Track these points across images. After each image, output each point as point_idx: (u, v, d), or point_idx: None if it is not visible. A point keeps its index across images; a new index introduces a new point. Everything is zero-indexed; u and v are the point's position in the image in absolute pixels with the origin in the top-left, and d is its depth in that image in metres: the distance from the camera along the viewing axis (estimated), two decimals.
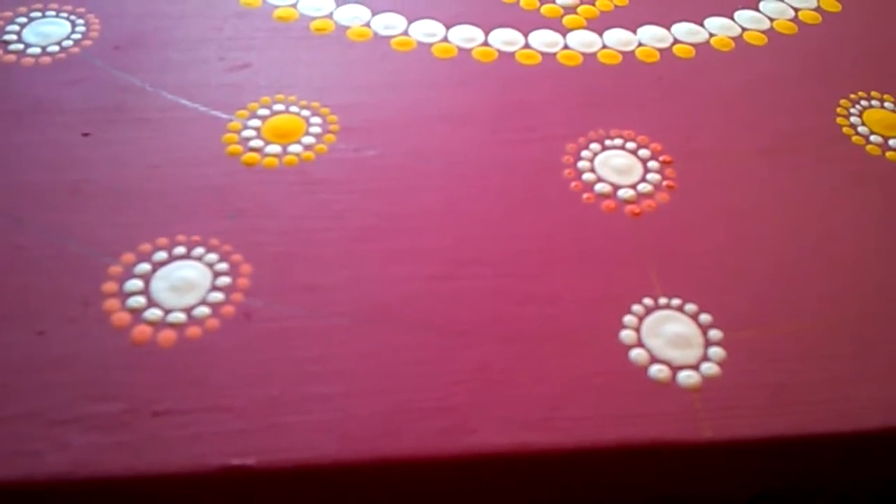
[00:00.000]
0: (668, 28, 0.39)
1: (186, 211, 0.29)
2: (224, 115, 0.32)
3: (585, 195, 0.31)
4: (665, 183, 0.31)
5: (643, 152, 0.33)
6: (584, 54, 0.37)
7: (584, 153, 0.32)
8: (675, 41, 0.38)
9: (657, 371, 0.25)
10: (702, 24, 0.39)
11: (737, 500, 0.30)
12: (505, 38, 0.38)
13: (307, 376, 0.24)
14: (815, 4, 0.41)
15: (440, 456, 0.23)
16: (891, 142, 0.34)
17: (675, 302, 0.27)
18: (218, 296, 0.26)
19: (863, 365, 0.26)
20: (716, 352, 0.26)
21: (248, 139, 0.31)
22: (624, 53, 0.37)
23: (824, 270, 0.28)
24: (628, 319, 0.27)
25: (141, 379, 0.24)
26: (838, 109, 0.35)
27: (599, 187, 0.31)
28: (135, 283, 0.26)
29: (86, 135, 0.31)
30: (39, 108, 0.32)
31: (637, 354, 0.26)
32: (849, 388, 0.25)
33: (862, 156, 0.33)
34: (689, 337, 0.26)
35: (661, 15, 0.40)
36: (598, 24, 0.39)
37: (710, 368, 0.25)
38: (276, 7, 0.38)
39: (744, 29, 0.40)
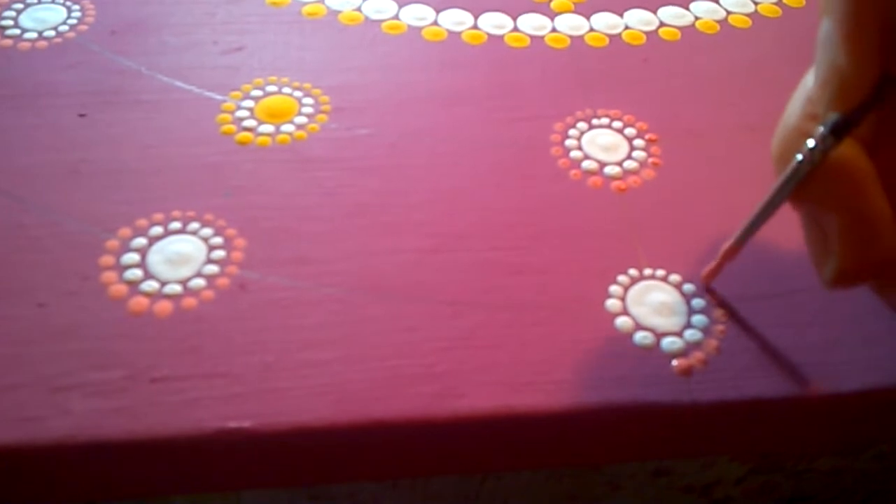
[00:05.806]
0: (655, 11, 0.40)
1: (181, 188, 0.29)
2: (218, 97, 0.33)
3: (573, 172, 0.31)
4: (650, 160, 0.32)
5: (629, 131, 0.33)
6: (571, 37, 0.38)
7: (572, 132, 0.33)
8: (661, 24, 0.39)
9: (642, 337, 0.26)
10: (687, 8, 0.40)
11: (726, 477, 0.31)
12: (494, 22, 0.38)
13: (301, 344, 0.25)
14: None
15: (430, 419, 0.24)
16: None
17: (660, 272, 0.28)
18: (213, 268, 0.27)
19: (838, 331, 0.26)
20: (699, 319, 0.27)
21: (242, 119, 0.32)
22: (611, 36, 0.38)
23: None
24: (614, 289, 0.27)
25: (139, 347, 0.24)
26: None
27: (586, 164, 0.32)
28: (131, 257, 0.27)
29: (83, 116, 0.32)
30: (37, 92, 0.33)
31: (622, 322, 0.26)
32: (824, 353, 0.26)
33: None
34: (673, 305, 0.27)
35: None
36: (586, 8, 0.40)
37: (693, 335, 0.26)
38: None
39: (728, 12, 0.40)
